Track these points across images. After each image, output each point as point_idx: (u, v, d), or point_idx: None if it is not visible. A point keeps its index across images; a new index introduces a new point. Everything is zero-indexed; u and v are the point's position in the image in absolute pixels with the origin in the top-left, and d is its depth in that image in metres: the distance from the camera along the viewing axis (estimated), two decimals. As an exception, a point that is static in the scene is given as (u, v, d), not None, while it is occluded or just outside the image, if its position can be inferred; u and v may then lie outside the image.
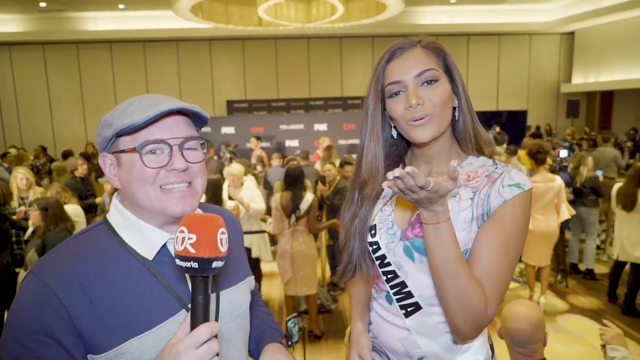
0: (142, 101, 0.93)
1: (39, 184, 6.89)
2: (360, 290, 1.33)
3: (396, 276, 1.14)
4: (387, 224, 1.17)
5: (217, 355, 0.78)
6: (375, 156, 1.16)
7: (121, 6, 11.63)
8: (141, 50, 13.47)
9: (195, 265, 0.78)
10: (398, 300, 1.15)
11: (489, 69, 14.26)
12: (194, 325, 0.78)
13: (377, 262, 1.17)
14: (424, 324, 1.11)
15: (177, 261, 0.79)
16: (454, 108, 1.12)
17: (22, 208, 4.29)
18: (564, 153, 5.56)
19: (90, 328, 0.84)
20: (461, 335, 1.05)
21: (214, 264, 0.78)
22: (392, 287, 1.16)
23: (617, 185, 4.62)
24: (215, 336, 0.78)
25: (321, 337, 4.17)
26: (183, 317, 0.89)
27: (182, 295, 0.92)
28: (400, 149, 1.23)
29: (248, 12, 9.32)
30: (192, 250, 0.77)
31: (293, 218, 4.03)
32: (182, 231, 0.79)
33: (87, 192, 5.50)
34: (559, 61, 14.60)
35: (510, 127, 10.49)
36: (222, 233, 0.80)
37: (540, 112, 14.37)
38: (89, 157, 8.49)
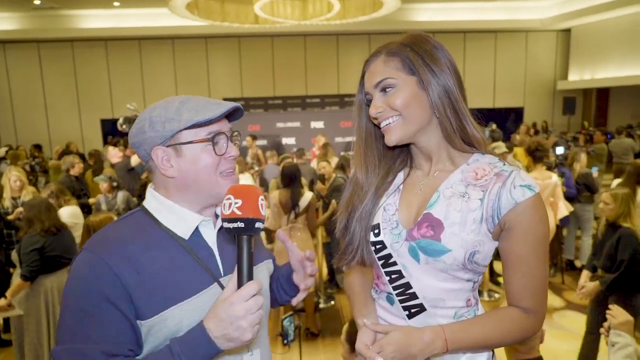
0: (192, 100, 1.06)
1: (34, 183, 6.88)
2: (356, 282, 1.27)
3: (401, 276, 1.12)
4: (391, 223, 1.14)
5: (261, 308, 0.95)
6: (368, 162, 1.21)
7: (116, 4, 11.57)
8: (137, 48, 13.40)
9: (241, 225, 0.95)
10: (401, 302, 1.13)
11: (485, 66, 14.27)
12: (240, 280, 0.95)
13: (381, 262, 1.15)
14: (428, 324, 1.09)
15: (225, 224, 0.96)
16: None
17: (20, 209, 4.28)
18: (560, 150, 5.57)
19: (138, 295, 0.97)
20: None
21: (257, 224, 0.96)
22: (395, 288, 1.13)
23: (616, 182, 4.63)
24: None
25: (318, 335, 4.17)
26: (215, 289, 1.04)
27: (213, 270, 1.07)
28: (403, 148, 1.21)
29: (244, 10, 9.29)
30: (238, 212, 0.95)
31: (292, 215, 4.03)
32: (228, 198, 0.97)
33: (80, 191, 5.43)
34: (555, 58, 14.62)
35: (507, 124, 10.52)
36: (262, 199, 0.98)
37: (536, 109, 14.41)
38: (82, 157, 8.44)
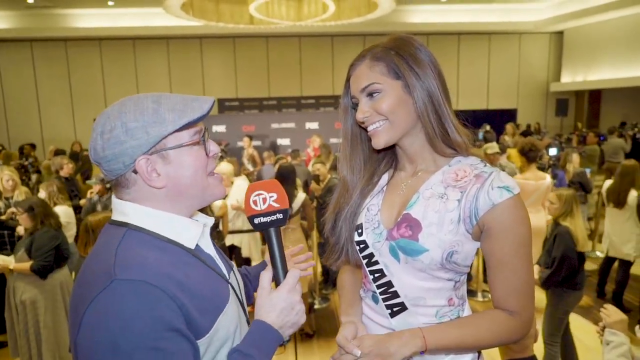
0: (164, 98, 0.95)
1: (27, 184, 6.83)
2: (347, 282, 1.31)
3: (383, 275, 1.14)
4: (373, 223, 1.16)
5: None
6: (354, 164, 1.24)
7: (110, 3, 11.52)
8: (131, 47, 13.35)
9: (280, 216, 1.02)
10: (384, 300, 1.15)
11: (479, 67, 14.34)
12: (276, 269, 1.02)
13: (365, 261, 1.17)
14: (409, 324, 1.11)
15: (261, 219, 1.01)
16: None
17: (12, 209, 4.25)
18: (553, 151, 5.62)
19: (193, 313, 0.89)
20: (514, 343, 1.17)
21: (288, 214, 1.02)
22: (378, 287, 1.15)
23: (608, 183, 4.67)
24: None
25: (313, 336, 4.17)
26: (231, 292, 1.02)
27: (221, 274, 1.04)
28: (388, 150, 1.24)
29: (239, 10, 9.27)
30: (276, 205, 1.02)
31: (285, 216, 4.02)
32: (260, 194, 1.02)
33: (71, 192, 5.39)
34: (548, 60, 14.73)
35: (501, 125, 10.59)
36: None
37: (530, 110, 14.50)
38: (77, 157, 8.39)
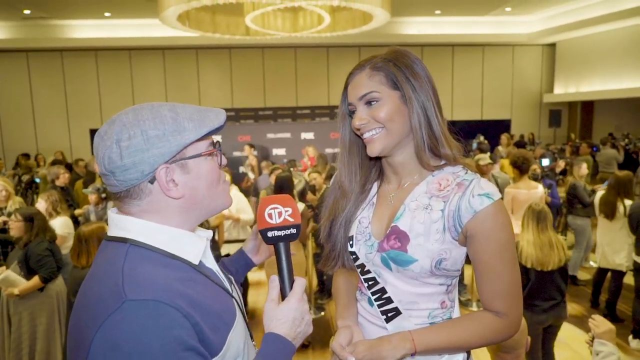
0: (180, 107, 0.95)
1: (23, 194, 6.80)
2: (342, 286, 1.34)
3: (376, 282, 1.18)
4: (364, 235, 1.20)
5: None
6: (351, 171, 1.26)
7: (107, 14, 11.56)
8: (127, 58, 13.38)
9: (294, 231, 1.03)
10: (379, 306, 1.19)
11: (473, 78, 14.47)
12: (283, 282, 1.02)
13: (358, 270, 1.22)
14: (404, 328, 1.14)
15: (275, 232, 1.01)
16: None
17: (3, 218, 4.23)
18: (546, 162, 5.67)
19: (206, 331, 0.87)
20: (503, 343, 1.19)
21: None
22: (373, 293, 1.19)
23: (600, 194, 4.72)
24: None
25: (308, 346, 4.16)
26: (236, 305, 1.01)
27: (225, 288, 1.02)
28: (377, 160, 1.27)
29: (235, 21, 9.33)
30: (291, 220, 1.02)
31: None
32: (275, 207, 1.02)
33: (66, 202, 5.38)
34: (541, 72, 14.89)
35: (495, 136, 10.68)
36: None
37: (523, 121, 14.62)
38: (70, 167, 8.37)
